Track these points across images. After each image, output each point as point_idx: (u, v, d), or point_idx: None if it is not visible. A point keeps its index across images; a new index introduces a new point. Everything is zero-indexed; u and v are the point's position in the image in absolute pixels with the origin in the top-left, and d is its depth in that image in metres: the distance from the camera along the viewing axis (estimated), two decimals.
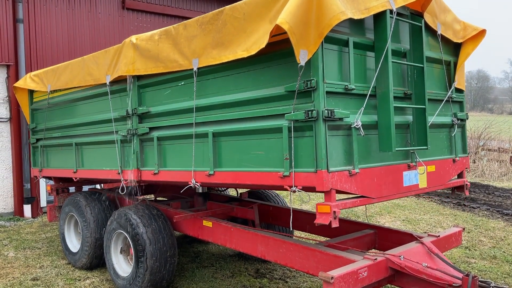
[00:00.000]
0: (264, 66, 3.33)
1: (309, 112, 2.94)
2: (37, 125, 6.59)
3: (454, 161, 4.09)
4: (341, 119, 3.03)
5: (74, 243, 5.71)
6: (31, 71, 8.38)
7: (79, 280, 5.04)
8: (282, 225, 5.24)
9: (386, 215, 8.09)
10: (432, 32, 3.84)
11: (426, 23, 3.68)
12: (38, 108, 6.57)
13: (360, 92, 3.21)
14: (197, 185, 3.89)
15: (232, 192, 7.19)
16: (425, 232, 4.23)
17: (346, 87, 3.10)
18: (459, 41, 4.07)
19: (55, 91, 5.93)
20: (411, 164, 3.59)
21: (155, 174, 4.36)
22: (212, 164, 3.73)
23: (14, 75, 8.41)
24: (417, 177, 3.64)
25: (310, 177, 2.98)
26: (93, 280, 5.02)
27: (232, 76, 3.59)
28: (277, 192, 6.56)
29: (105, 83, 4.82)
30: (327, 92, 2.97)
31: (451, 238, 3.95)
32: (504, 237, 6.64)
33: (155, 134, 4.35)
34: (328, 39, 3.01)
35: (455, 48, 4.16)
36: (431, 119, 3.71)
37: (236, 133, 3.55)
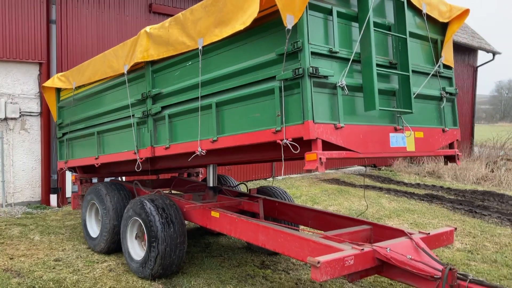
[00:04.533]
0: (258, 37, 3.78)
1: (296, 70, 3.35)
2: (63, 121, 7.13)
3: (443, 131, 4.40)
4: (325, 77, 3.42)
5: (94, 229, 6.14)
6: (61, 69, 8.94)
7: (97, 262, 5.45)
8: (287, 220, 5.52)
9: (394, 218, 8.27)
10: (418, 11, 4.21)
11: (410, 2, 4.04)
12: (64, 106, 7.12)
13: (344, 56, 3.61)
14: (203, 153, 4.31)
15: (242, 188, 7.50)
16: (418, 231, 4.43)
17: (331, 49, 3.51)
18: (445, 20, 4.43)
19: (79, 87, 6.44)
20: (397, 127, 3.94)
21: (166, 148, 4.84)
22: (216, 131, 4.16)
23: (45, 72, 8.98)
24: (404, 140, 3.96)
25: (298, 129, 3.38)
26: (110, 263, 5.43)
27: (232, 50, 4.05)
28: (285, 189, 6.84)
29: (123, 73, 5.32)
30: (312, 53, 3.38)
31: (442, 236, 4.15)
32: (509, 243, 6.73)
33: (166, 112, 4.82)
34: (313, 6, 3.44)
35: (442, 28, 4.51)
36: (418, 90, 4.06)
37: (235, 100, 3.99)
